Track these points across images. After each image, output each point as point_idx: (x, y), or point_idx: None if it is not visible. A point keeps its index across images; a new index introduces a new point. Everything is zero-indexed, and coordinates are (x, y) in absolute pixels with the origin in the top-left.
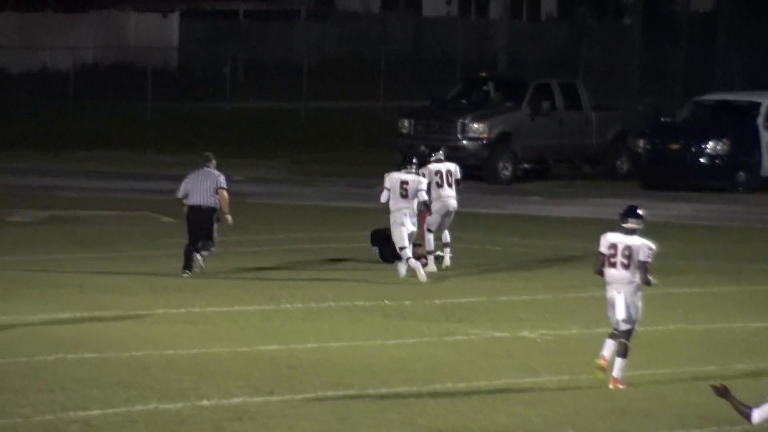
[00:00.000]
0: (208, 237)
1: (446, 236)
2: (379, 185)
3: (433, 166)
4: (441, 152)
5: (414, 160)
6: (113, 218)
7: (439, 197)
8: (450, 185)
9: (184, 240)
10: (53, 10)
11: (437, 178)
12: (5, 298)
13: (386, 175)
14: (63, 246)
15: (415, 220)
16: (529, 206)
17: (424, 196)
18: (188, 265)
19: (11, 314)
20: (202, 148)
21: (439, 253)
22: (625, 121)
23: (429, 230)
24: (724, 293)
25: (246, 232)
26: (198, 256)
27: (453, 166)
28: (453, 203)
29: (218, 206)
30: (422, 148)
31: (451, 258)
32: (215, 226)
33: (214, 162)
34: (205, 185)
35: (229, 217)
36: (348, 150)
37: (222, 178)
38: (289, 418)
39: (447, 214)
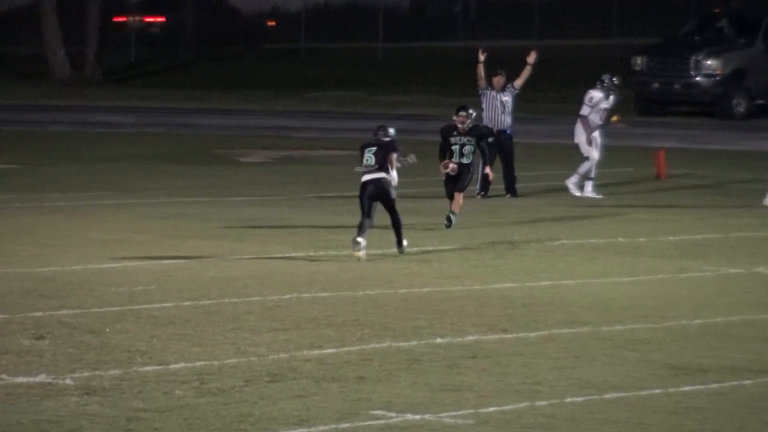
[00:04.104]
0: None
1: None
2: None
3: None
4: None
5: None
6: (345, 158)
7: None
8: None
9: (412, 180)
10: None
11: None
12: (238, 237)
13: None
14: (296, 186)
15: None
16: (762, 142)
17: None
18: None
19: (245, 254)
20: (433, 88)
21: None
22: None
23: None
24: None
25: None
26: None
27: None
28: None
29: None
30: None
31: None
32: None
33: None
34: None
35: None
36: (578, 88)
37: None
38: (523, 355)
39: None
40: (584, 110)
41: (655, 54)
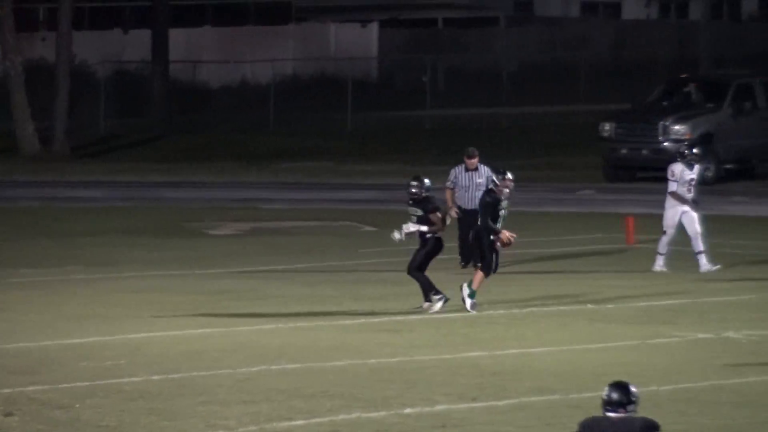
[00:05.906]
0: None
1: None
2: (582, 189)
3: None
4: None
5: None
6: (315, 229)
7: None
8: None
9: (383, 249)
10: (253, 24)
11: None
12: (208, 310)
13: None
14: (266, 258)
15: None
16: (732, 206)
17: None
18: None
19: (216, 326)
20: (403, 157)
21: None
22: None
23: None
24: None
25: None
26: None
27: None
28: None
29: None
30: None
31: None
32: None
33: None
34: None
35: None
36: (549, 155)
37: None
38: (493, 424)
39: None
40: (671, 186)
41: (623, 120)
